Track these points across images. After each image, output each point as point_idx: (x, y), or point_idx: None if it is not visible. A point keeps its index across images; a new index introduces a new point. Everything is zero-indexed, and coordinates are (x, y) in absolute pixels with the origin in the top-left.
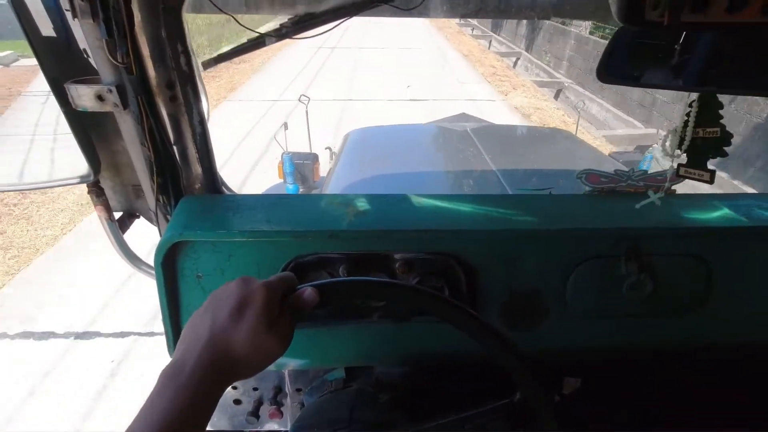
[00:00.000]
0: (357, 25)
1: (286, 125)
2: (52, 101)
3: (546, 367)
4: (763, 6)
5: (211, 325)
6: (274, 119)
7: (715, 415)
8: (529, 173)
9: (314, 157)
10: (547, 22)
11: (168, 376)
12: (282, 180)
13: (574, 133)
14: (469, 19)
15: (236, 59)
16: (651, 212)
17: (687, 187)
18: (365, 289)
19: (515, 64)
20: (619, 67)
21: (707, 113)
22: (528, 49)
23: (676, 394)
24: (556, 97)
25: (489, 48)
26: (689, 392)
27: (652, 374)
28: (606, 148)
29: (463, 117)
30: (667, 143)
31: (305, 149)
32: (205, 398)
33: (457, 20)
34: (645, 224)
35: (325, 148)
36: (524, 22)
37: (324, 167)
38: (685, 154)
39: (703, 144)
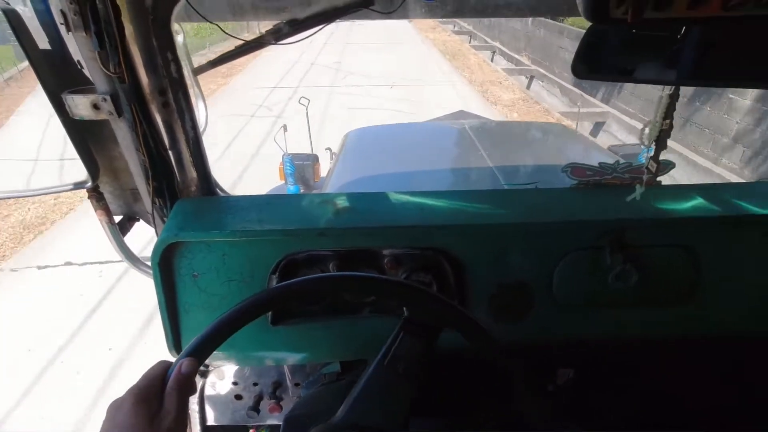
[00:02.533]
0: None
1: (285, 127)
2: (50, 110)
3: (535, 359)
4: (724, 1)
5: None
6: None
7: (704, 405)
8: (525, 168)
9: (314, 158)
10: None
11: None
12: (283, 181)
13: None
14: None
15: None
16: (636, 204)
17: (670, 178)
18: (234, 323)
19: None
20: (597, 62)
21: (672, 106)
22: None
23: (665, 384)
24: None
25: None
26: (678, 382)
27: (642, 364)
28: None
29: (461, 114)
30: (645, 134)
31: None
32: None
33: (489, 58)
34: (630, 215)
35: (326, 149)
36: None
37: (324, 168)
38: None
39: (662, 136)
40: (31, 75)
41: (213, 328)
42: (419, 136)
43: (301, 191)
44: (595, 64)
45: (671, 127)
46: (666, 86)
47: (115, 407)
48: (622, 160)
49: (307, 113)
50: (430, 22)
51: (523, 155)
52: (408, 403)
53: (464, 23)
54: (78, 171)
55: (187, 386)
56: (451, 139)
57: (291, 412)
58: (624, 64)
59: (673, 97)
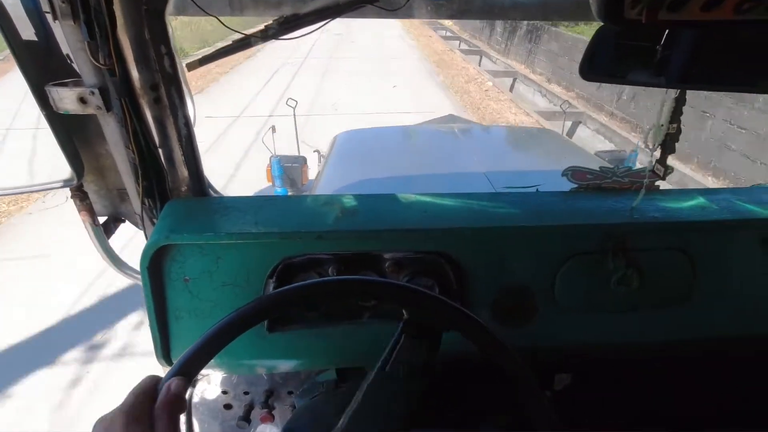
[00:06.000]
0: None
1: (274, 128)
2: (33, 103)
3: (537, 363)
4: (736, 5)
5: None
6: None
7: (703, 408)
8: (516, 173)
9: (302, 160)
10: None
11: None
12: (270, 183)
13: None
14: None
15: None
16: (636, 208)
17: (668, 182)
18: (224, 335)
19: None
20: (602, 65)
21: (678, 109)
22: None
23: (665, 389)
24: None
25: None
26: (678, 387)
27: (641, 369)
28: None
29: (451, 118)
30: (649, 138)
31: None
32: None
33: None
34: (630, 220)
35: (314, 151)
36: None
37: (312, 170)
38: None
39: (669, 140)
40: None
41: (202, 342)
42: (409, 140)
43: (290, 194)
44: (603, 67)
45: (679, 131)
46: (673, 89)
47: (104, 428)
48: (619, 165)
49: (294, 115)
50: None
51: (513, 159)
52: (412, 406)
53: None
54: (61, 169)
55: (177, 406)
56: (442, 143)
57: (291, 423)
58: (631, 67)
59: (680, 101)
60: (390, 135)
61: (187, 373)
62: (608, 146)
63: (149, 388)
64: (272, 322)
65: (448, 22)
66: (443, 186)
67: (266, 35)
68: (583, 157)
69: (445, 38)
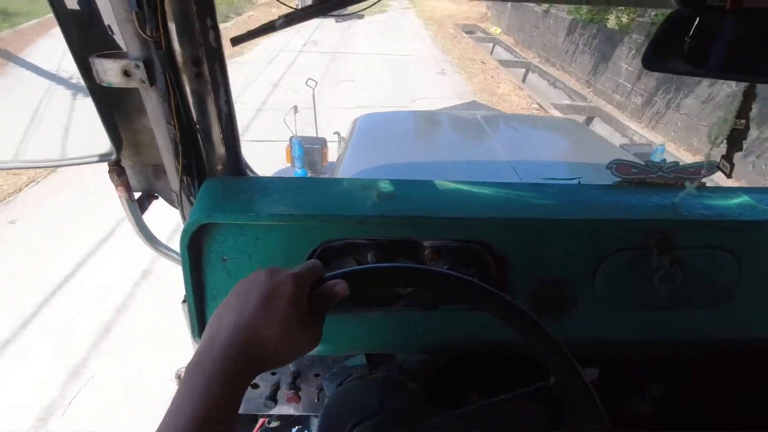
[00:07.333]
0: None
1: (296, 108)
2: (74, 76)
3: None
4: None
5: (237, 318)
6: None
7: (742, 409)
8: (542, 163)
9: (323, 142)
10: None
11: (193, 372)
12: (290, 164)
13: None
14: None
15: None
16: (682, 205)
17: (713, 179)
18: (394, 276)
19: None
20: (668, 55)
21: (747, 104)
22: None
23: (703, 388)
24: None
25: None
26: (716, 386)
27: (680, 367)
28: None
29: (474, 105)
30: (713, 132)
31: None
32: (232, 390)
33: None
34: (676, 216)
35: (334, 133)
36: None
37: (332, 152)
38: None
39: (737, 135)
40: None
41: (374, 267)
42: (430, 125)
43: (309, 175)
44: (668, 58)
45: (747, 127)
46: (742, 83)
47: (276, 282)
48: (665, 159)
49: (313, 96)
50: None
51: (538, 149)
52: None
53: None
54: (100, 143)
55: (328, 306)
56: (465, 130)
57: (328, 407)
58: (700, 58)
59: (749, 95)
60: (411, 119)
61: (351, 284)
62: None
63: (318, 272)
64: None
65: (496, 29)
66: (467, 173)
67: (314, 11)
68: (608, 150)
69: (506, 65)
